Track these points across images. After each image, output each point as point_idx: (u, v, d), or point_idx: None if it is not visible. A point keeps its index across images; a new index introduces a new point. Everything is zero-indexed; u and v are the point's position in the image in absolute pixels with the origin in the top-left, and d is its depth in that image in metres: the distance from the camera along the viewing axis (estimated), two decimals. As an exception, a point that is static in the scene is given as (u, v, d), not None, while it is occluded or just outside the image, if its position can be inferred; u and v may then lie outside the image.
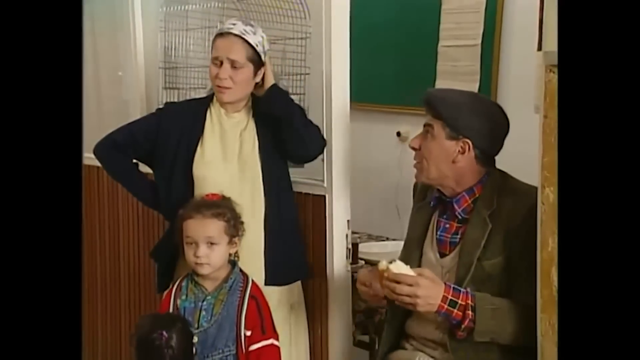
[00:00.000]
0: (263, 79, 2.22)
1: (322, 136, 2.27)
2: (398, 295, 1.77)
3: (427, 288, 1.76)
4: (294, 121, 2.17)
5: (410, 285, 1.76)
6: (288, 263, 2.26)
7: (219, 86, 2.17)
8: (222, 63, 2.14)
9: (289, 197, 2.31)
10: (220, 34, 2.17)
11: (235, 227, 1.99)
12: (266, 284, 2.17)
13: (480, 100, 2.02)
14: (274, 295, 2.18)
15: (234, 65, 2.15)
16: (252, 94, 2.25)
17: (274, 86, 2.20)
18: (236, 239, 2.00)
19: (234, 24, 2.18)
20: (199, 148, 2.22)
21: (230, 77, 2.14)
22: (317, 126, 2.25)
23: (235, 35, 2.15)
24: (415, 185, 2.13)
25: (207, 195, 2.08)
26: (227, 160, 2.21)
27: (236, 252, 2.05)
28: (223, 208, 1.99)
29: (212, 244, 1.96)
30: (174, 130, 2.24)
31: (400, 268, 1.80)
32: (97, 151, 2.30)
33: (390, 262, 1.81)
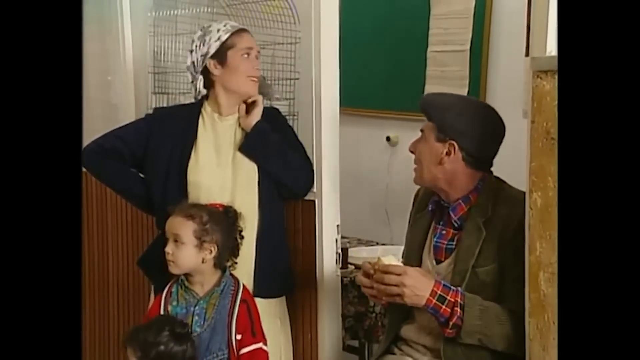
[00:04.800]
0: (250, 108, 2.21)
1: (309, 171, 2.26)
2: (386, 285, 1.78)
3: (415, 278, 1.78)
4: (271, 169, 2.19)
5: (399, 274, 1.77)
6: (277, 275, 2.25)
7: (254, 77, 2.21)
8: (249, 55, 2.19)
9: (281, 207, 2.30)
10: (244, 30, 2.23)
11: (207, 232, 1.96)
12: (254, 295, 2.13)
13: (470, 103, 2.02)
14: (273, 308, 2.18)
15: (258, 57, 2.24)
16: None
17: (256, 128, 2.19)
18: (209, 245, 1.97)
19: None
20: (193, 154, 2.20)
21: None
22: (303, 163, 2.24)
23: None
24: (416, 195, 2.13)
25: (210, 204, 2.07)
26: (222, 165, 2.20)
27: (232, 260, 2.05)
28: (200, 211, 1.99)
29: (177, 242, 1.96)
30: (166, 136, 2.22)
31: (391, 260, 1.82)
32: (84, 157, 2.23)
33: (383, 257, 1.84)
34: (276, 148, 2.20)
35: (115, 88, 3.01)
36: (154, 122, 2.28)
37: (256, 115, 2.20)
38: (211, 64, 2.19)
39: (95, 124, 2.89)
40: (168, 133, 2.22)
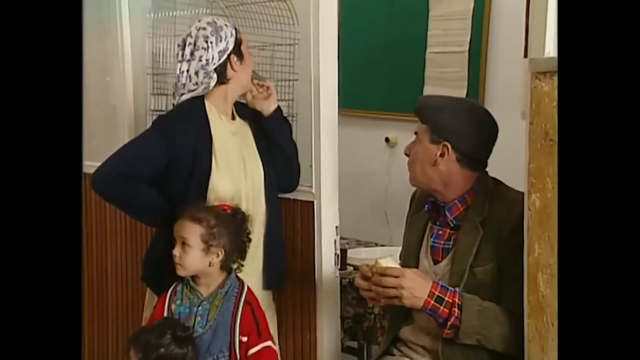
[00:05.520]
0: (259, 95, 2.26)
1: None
2: (384, 288, 1.79)
3: (413, 280, 1.79)
4: (288, 150, 2.26)
5: (397, 277, 1.78)
6: (279, 267, 2.29)
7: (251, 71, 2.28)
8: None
9: (277, 201, 2.31)
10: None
11: (214, 235, 1.95)
12: (264, 288, 2.18)
13: (462, 104, 2.03)
14: (265, 299, 2.19)
15: None
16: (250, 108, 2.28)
17: (278, 110, 2.26)
18: (216, 249, 1.96)
19: None
20: (213, 160, 2.15)
21: None
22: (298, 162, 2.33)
23: None
24: (412, 197, 2.13)
25: (218, 205, 2.06)
26: (237, 168, 2.19)
27: (239, 262, 2.05)
28: (208, 214, 1.98)
29: (185, 244, 1.96)
30: (187, 144, 2.12)
31: (388, 263, 1.83)
32: (107, 189, 2.13)
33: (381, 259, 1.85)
34: (290, 132, 2.29)
35: (114, 89, 3.01)
36: (170, 133, 2.13)
37: (275, 99, 2.25)
38: (233, 60, 2.15)
39: (94, 125, 2.90)
40: (187, 141, 2.12)
